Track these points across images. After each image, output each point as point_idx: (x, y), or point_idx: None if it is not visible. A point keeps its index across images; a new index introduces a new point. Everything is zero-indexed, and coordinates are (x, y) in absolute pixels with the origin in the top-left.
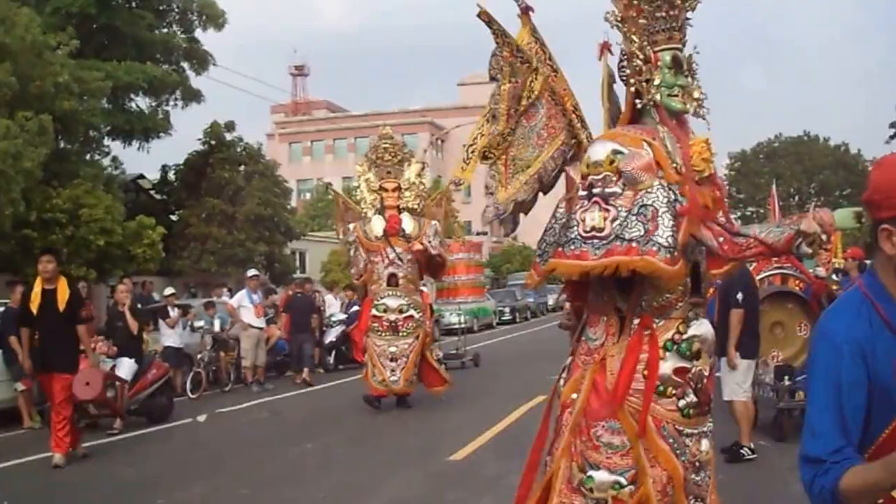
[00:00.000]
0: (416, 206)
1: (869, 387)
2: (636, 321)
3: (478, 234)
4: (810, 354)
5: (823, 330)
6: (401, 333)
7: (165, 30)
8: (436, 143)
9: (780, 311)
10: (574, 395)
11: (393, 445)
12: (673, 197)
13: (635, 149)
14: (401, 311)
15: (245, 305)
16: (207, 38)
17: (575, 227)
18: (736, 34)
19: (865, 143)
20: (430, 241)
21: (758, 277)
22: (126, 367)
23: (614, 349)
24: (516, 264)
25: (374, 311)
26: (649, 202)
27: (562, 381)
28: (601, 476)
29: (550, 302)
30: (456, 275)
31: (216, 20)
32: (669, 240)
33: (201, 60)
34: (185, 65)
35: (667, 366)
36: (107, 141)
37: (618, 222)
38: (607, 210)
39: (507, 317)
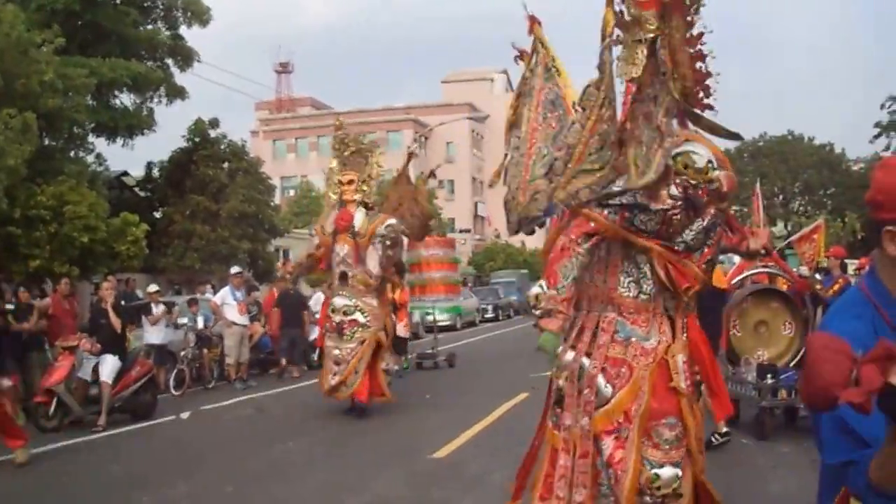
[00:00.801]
0: (369, 201)
1: None
2: (685, 321)
3: (461, 231)
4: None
5: (829, 333)
6: (344, 337)
7: (150, 26)
8: (420, 140)
9: (764, 309)
10: (634, 408)
11: (377, 443)
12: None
13: (722, 161)
14: (345, 313)
15: (228, 303)
16: (192, 35)
17: (657, 225)
18: (720, 34)
19: (849, 143)
20: (378, 240)
21: (741, 276)
22: (110, 365)
23: (675, 349)
24: (499, 262)
25: (328, 311)
26: (719, 223)
27: (608, 387)
28: (667, 472)
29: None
30: (429, 271)
31: (201, 17)
32: (716, 257)
33: (186, 57)
34: (170, 61)
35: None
36: (91, 138)
37: (692, 233)
38: (690, 219)
39: (489, 314)
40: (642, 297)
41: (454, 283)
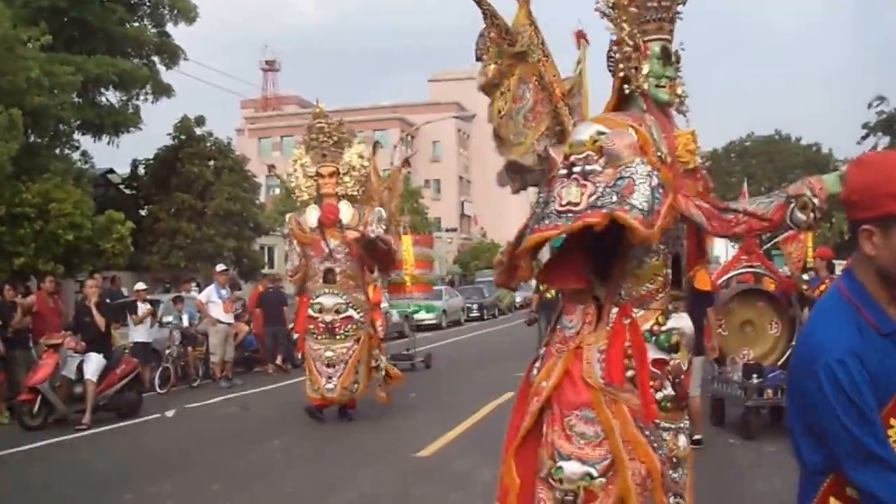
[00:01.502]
0: (355, 193)
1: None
2: (615, 310)
3: (447, 230)
4: (809, 373)
5: (822, 346)
6: (338, 336)
7: (136, 24)
8: (406, 139)
9: (750, 309)
10: (544, 383)
11: (361, 441)
12: (655, 177)
13: (621, 129)
14: (338, 312)
15: (214, 301)
16: (178, 33)
17: (552, 204)
18: (708, 32)
19: (837, 144)
20: (371, 228)
21: (727, 276)
22: (94, 363)
23: (591, 337)
24: (485, 261)
25: (309, 312)
26: (627, 175)
27: (535, 370)
28: (571, 467)
29: (519, 299)
30: (404, 269)
31: (187, 14)
32: (644, 204)
33: (172, 55)
34: (156, 59)
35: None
36: (77, 135)
37: (594, 196)
38: (584, 186)
39: (475, 314)
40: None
41: (428, 282)
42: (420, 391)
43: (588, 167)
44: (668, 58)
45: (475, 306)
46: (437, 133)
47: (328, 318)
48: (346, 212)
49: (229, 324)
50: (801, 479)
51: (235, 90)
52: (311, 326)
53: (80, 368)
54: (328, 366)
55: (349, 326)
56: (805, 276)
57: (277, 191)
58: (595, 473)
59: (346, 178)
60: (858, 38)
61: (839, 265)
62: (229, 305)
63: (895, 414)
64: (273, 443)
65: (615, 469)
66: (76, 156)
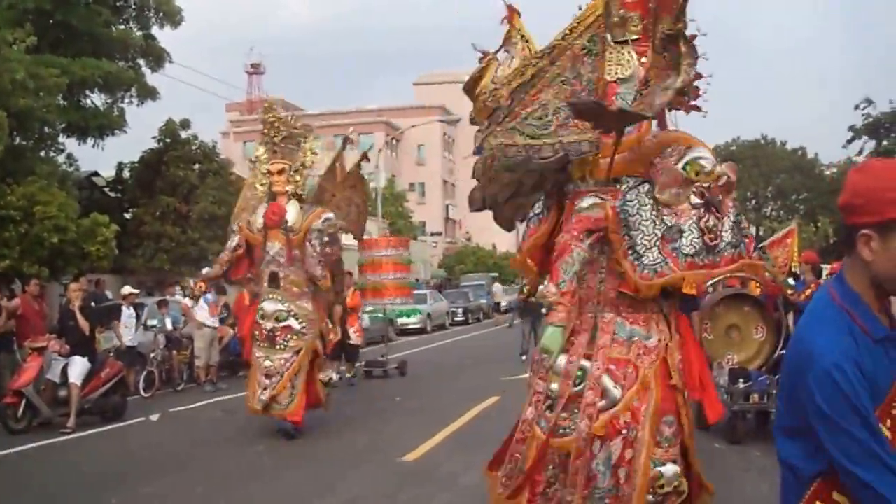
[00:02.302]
0: (304, 192)
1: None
2: (675, 319)
3: (432, 234)
4: (808, 377)
5: (818, 352)
6: (277, 346)
7: (122, 26)
8: (391, 142)
9: (736, 314)
10: (635, 399)
11: (347, 445)
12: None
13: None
14: (277, 320)
15: (199, 305)
16: (164, 36)
17: (700, 237)
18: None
19: (822, 148)
20: (314, 236)
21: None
22: (79, 367)
23: (673, 345)
24: (470, 265)
25: (256, 316)
26: (740, 212)
27: (617, 388)
28: (669, 470)
29: (503, 303)
30: (382, 273)
31: (173, 17)
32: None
33: (157, 57)
34: (142, 62)
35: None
36: (62, 138)
37: (725, 230)
38: (718, 218)
39: (459, 318)
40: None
41: (406, 286)
42: (405, 395)
43: (714, 198)
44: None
45: (460, 310)
46: (422, 137)
47: (269, 325)
48: (292, 213)
49: (214, 327)
50: (785, 484)
51: (220, 93)
52: (256, 332)
53: (64, 372)
54: (266, 376)
55: (289, 336)
56: (790, 281)
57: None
58: (679, 471)
59: (297, 177)
60: (845, 42)
61: (825, 269)
62: (214, 309)
63: (883, 419)
64: (258, 447)
65: (686, 464)
66: (61, 158)
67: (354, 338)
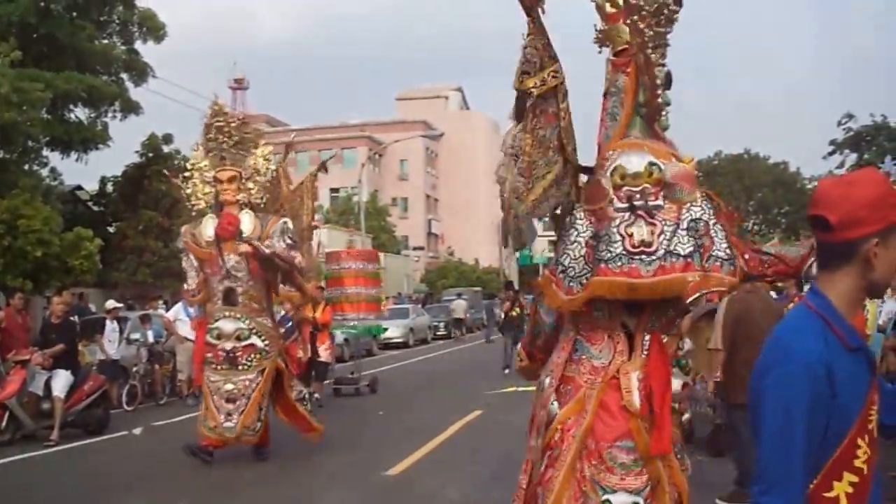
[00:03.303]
0: (259, 201)
1: (830, 405)
2: (647, 337)
3: (414, 248)
4: (771, 377)
5: (791, 350)
6: (240, 367)
7: (105, 41)
8: (374, 157)
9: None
10: (571, 419)
11: (328, 459)
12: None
13: (666, 160)
14: (239, 339)
15: (181, 319)
16: (147, 50)
17: (619, 242)
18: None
19: (804, 162)
20: (276, 235)
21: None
22: (62, 380)
23: (629, 366)
24: (452, 280)
25: (207, 338)
26: (698, 216)
27: (554, 404)
28: (620, 499)
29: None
30: (348, 286)
31: (156, 32)
32: (728, 252)
33: (140, 72)
34: (125, 76)
35: (676, 382)
36: (46, 151)
37: (665, 237)
38: (653, 224)
39: (441, 332)
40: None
41: (375, 300)
42: (387, 409)
43: (651, 202)
44: (669, 84)
45: (442, 324)
46: (405, 152)
47: (228, 345)
48: (247, 222)
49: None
50: None
51: (203, 108)
52: (210, 355)
53: (47, 385)
54: (228, 401)
55: (252, 356)
56: (773, 294)
57: None
58: (641, 502)
59: (250, 184)
60: (824, 56)
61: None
62: (196, 323)
63: (861, 434)
64: (240, 462)
65: (656, 495)
66: (45, 172)
67: (325, 355)
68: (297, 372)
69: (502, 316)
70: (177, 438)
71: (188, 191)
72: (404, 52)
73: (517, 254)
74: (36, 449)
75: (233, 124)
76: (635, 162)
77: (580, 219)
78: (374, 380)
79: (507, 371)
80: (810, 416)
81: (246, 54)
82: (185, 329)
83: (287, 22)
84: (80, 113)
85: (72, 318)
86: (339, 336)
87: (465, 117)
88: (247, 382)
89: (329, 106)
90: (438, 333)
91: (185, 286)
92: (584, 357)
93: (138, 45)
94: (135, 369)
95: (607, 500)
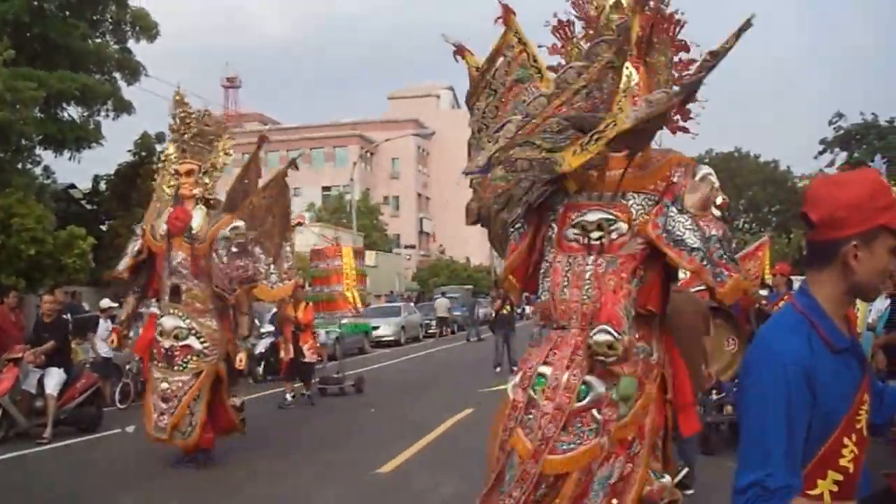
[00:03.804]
0: (214, 197)
1: (812, 407)
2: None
3: (406, 247)
4: (752, 375)
5: (771, 351)
6: (175, 367)
7: (98, 40)
8: (365, 156)
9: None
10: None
11: (321, 457)
12: None
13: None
14: (177, 338)
15: None
16: (140, 49)
17: (726, 241)
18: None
19: (795, 161)
20: (220, 245)
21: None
22: (55, 378)
23: (667, 360)
24: (443, 278)
25: (155, 333)
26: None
27: (622, 406)
28: (668, 480)
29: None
30: (330, 285)
31: (149, 32)
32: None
33: (133, 71)
34: (118, 75)
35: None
36: (39, 150)
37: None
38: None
39: (433, 330)
40: (641, 311)
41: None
42: (379, 407)
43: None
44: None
45: (433, 322)
46: (396, 150)
47: (167, 343)
48: (197, 219)
49: None
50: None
51: (196, 107)
52: (154, 350)
53: (40, 383)
54: (163, 399)
55: (188, 357)
56: (763, 292)
57: None
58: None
59: (206, 179)
60: (815, 53)
61: (797, 281)
62: (148, 317)
63: (848, 433)
64: (232, 460)
65: None
66: (38, 170)
67: (308, 355)
68: (282, 373)
69: (493, 314)
70: None
71: (158, 182)
72: (397, 52)
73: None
74: (29, 447)
75: (193, 115)
76: (713, 175)
77: (684, 220)
78: (360, 379)
79: (498, 369)
80: (788, 412)
81: (238, 53)
82: None
83: (279, 21)
84: (73, 112)
85: (64, 317)
86: (323, 335)
87: (457, 116)
88: (180, 384)
89: (321, 104)
90: (430, 332)
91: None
92: (641, 356)
93: (131, 44)
94: (128, 367)
95: (664, 484)
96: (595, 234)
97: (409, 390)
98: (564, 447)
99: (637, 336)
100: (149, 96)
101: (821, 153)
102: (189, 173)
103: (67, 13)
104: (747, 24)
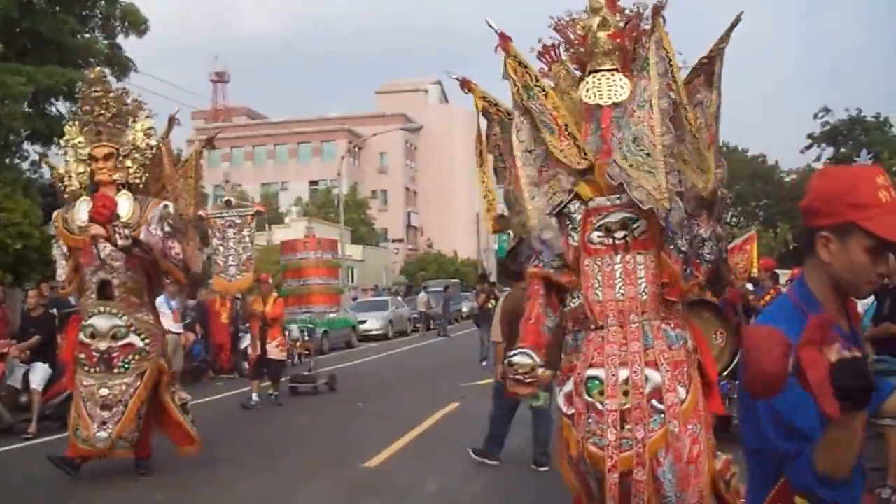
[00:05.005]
0: (139, 181)
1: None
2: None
3: (393, 241)
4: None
5: None
6: (116, 370)
7: (88, 35)
8: (353, 150)
9: (696, 319)
10: (672, 400)
11: (307, 452)
12: None
13: None
14: (115, 337)
15: (163, 311)
16: (129, 45)
17: (715, 244)
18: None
19: (782, 155)
20: (154, 220)
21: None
22: (40, 373)
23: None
24: (431, 272)
25: (81, 336)
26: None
27: (681, 386)
28: (722, 457)
29: (465, 309)
30: (305, 277)
31: (138, 27)
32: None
33: (123, 66)
34: (107, 70)
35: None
36: (27, 145)
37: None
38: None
39: (420, 324)
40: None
41: (334, 292)
42: (366, 401)
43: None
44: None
45: (420, 317)
46: (385, 144)
47: (103, 345)
48: (124, 205)
49: (178, 333)
50: (753, 479)
51: (185, 101)
52: (83, 356)
53: (25, 378)
54: (103, 408)
55: (130, 357)
56: (750, 286)
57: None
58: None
59: (128, 162)
60: (803, 50)
61: (783, 275)
62: (178, 315)
63: None
64: (219, 453)
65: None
66: (25, 165)
67: (276, 352)
68: (248, 372)
69: (477, 309)
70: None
71: (61, 170)
72: (385, 46)
73: (496, 245)
74: (14, 442)
75: (111, 95)
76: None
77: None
78: (333, 377)
79: (484, 363)
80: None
81: (227, 48)
82: (167, 321)
83: (268, 16)
84: (62, 106)
85: (50, 312)
86: (295, 330)
87: (445, 110)
88: (123, 387)
89: (309, 99)
90: (418, 326)
91: (58, 277)
92: (681, 343)
93: (120, 39)
94: None
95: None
96: (619, 234)
97: (395, 384)
98: (626, 444)
99: (672, 325)
100: (139, 91)
101: (808, 147)
102: (108, 157)
103: (57, 8)
104: (737, 21)
